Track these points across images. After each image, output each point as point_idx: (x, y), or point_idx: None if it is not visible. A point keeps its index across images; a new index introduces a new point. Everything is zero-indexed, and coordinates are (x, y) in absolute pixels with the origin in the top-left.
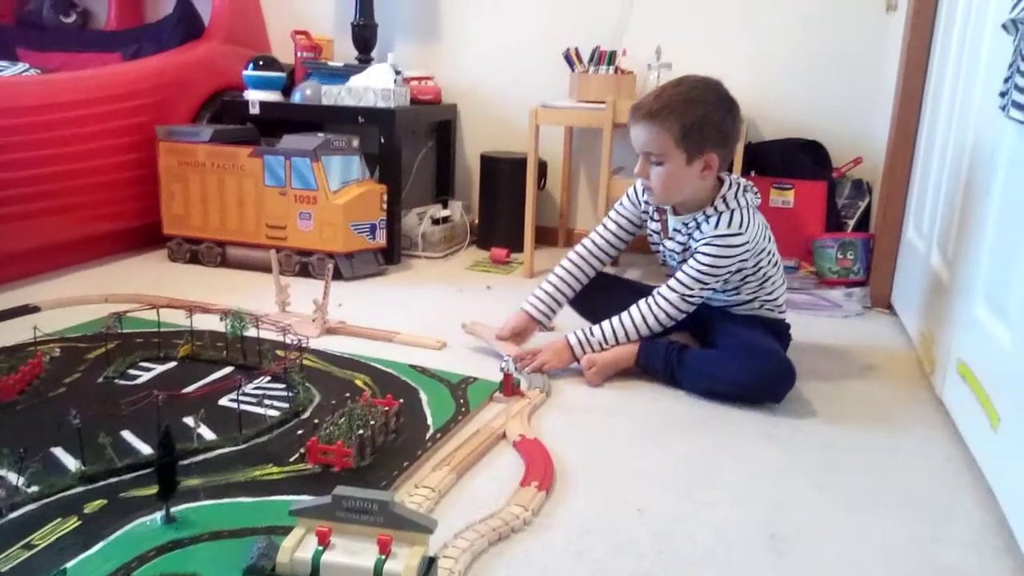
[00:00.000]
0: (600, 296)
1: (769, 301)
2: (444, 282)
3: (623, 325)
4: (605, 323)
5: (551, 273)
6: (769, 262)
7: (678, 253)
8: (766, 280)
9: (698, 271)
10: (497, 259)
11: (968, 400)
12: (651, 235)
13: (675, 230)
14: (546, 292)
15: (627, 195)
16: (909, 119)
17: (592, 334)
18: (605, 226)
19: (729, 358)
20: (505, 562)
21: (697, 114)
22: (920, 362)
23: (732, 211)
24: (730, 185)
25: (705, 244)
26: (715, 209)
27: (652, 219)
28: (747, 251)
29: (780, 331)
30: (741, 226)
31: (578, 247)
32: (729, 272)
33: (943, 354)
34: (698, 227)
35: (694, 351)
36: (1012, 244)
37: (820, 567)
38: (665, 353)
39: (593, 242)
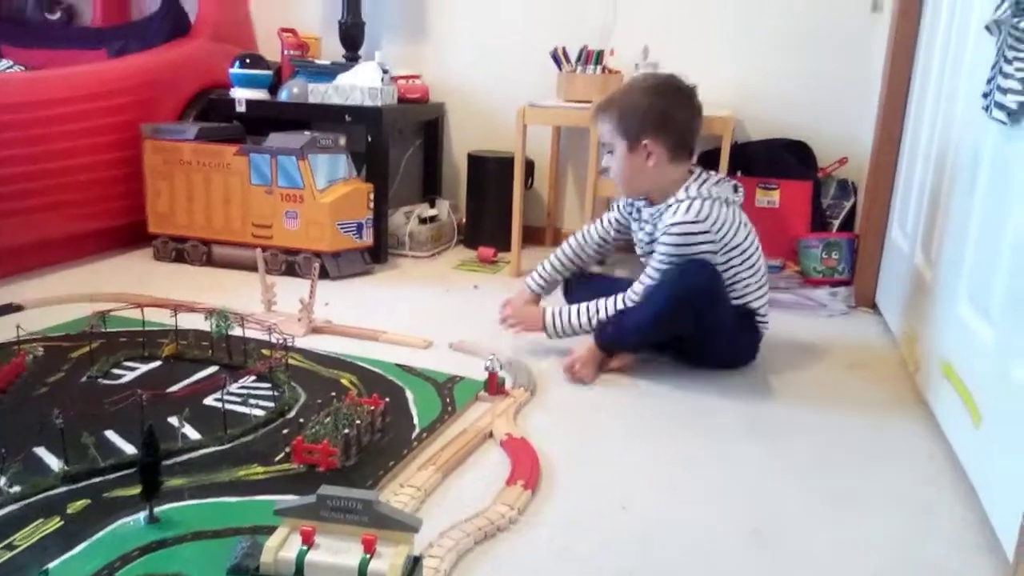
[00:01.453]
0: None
1: (742, 303)
2: (431, 281)
3: (596, 309)
4: (579, 305)
5: (551, 255)
6: (743, 263)
7: (646, 243)
8: (736, 281)
9: (659, 261)
10: (484, 258)
11: (951, 398)
12: (635, 232)
13: (645, 220)
14: (546, 270)
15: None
16: (894, 120)
17: (565, 314)
18: (601, 219)
19: (656, 285)
20: (491, 561)
21: (632, 101)
22: (904, 361)
23: (693, 200)
24: (696, 177)
25: (664, 234)
26: (676, 199)
27: (629, 215)
28: (707, 241)
29: (744, 316)
30: (699, 215)
31: (575, 234)
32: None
33: (926, 353)
34: (661, 216)
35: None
36: (994, 244)
37: (803, 563)
38: (613, 321)
39: (588, 229)
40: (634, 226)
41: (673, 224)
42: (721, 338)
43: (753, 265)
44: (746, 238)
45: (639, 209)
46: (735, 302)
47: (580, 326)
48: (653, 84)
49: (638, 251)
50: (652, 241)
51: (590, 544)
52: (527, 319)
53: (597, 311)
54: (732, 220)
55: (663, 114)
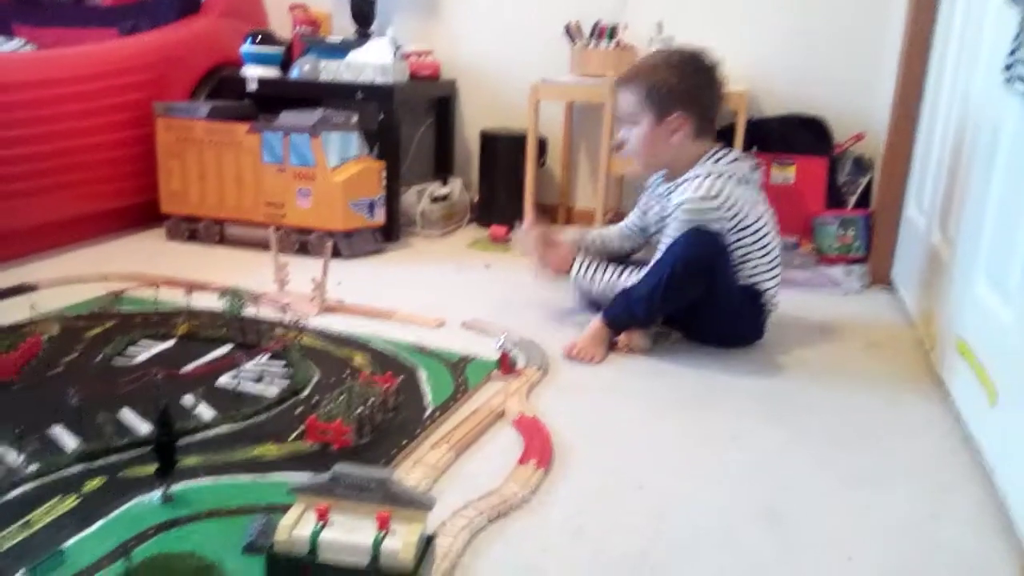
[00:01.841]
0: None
1: (751, 283)
2: (443, 260)
3: (617, 278)
4: (608, 270)
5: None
6: (754, 243)
7: (660, 219)
8: (745, 262)
9: (671, 239)
10: (497, 237)
11: (967, 377)
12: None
13: (659, 195)
14: (601, 235)
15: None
16: (911, 95)
17: (592, 269)
18: (632, 213)
19: (661, 258)
20: (504, 540)
21: (662, 75)
22: (920, 339)
23: (705, 177)
24: (714, 153)
25: (674, 211)
26: (690, 176)
27: (650, 194)
28: (717, 219)
29: (751, 296)
30: (709, 191)
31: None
32: None
33: (943, 331)
34: (674, 192)
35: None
36: (1013, 221)
37: (819, 544)
38: (620, 296)
39: (624, 222)
40: (651, 202)
41: (684, 201)
42: (725, 310)
43: (766, 247)
44: (759, 218)
45: (656, 186)
46: (743, 282)
47: (597, 285)
48: (685, 59)
49: (652, 230)
50: (665, 218)
51: (603, 524)
52: (558, 256)
53: (616, 279)
54: (746, 199)
55: (694, 89)
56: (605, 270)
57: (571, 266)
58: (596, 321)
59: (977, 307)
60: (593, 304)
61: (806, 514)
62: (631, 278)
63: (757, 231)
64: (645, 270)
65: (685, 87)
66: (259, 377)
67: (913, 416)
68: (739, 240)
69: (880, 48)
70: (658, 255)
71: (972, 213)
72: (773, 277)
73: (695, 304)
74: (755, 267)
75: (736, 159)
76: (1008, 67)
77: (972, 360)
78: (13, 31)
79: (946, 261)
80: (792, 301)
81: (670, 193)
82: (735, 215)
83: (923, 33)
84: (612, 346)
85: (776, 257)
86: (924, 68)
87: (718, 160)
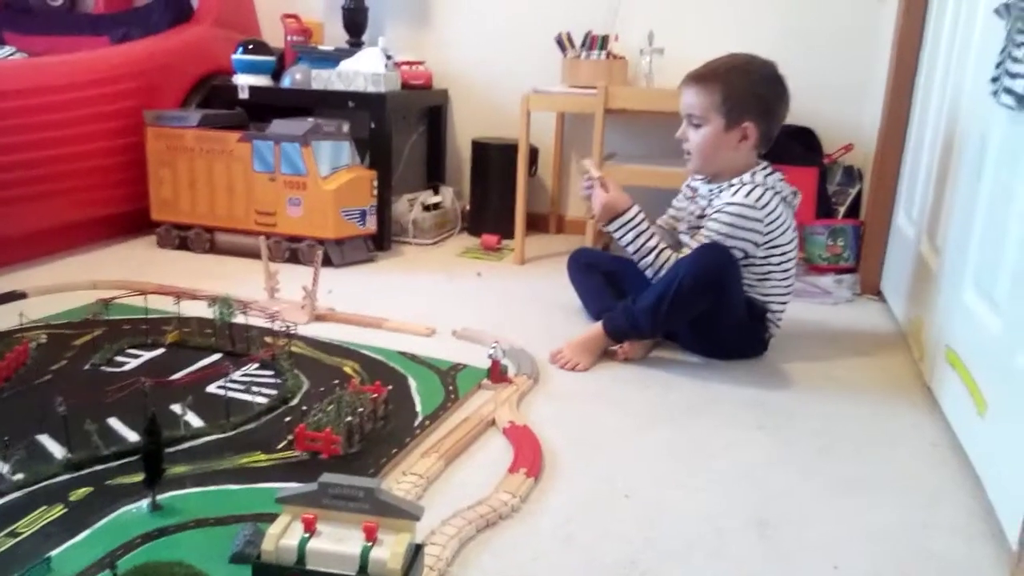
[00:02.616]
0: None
1: (762, 301)
2: (434, 269)
3: (651, 252)
4: (652, 238)
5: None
6: (779, 264)
7: (696, 217)
8: (766, 279)
9: (707, 237)
10: (488, 246)
11: (956, 387)
12: (683, 211)
13: (701, 196)
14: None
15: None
16: (901, 105)
17: (636, 231)
18: (661, 219)
19: (672, 269)
20: (493, 549)
21: (742, 82)
22: (909, 348)
23: (756, 186)
24: (765, 167)
25: (717, 211)
26: (740, 181)
27: (686, 197)
28: (756, 230)
29: (757, 313)
30: (758, 201)
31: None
32: (736, 247)
33: (932, 341)
34: (720, 194)
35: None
36: (1001, 231)
37: (808, 552)
38: (622, 307)
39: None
40: (685, 204)
41: (731, 203)
42: (729, 327)
43: (787, 270)
44: (790, 242)
45: (694, 190)
46: (756, 299)
47: (631, 248)
48: (767, 71)
49: (682, 228)
50: (702, 216)
51: (593, 532)
52: (612, 198)
53: (649, 255)
54: (784, 218)
55: (773, 102)
56: (652, 236)
57: (626, 209)
58: (595, 328)
59: (966, 316)
60: (590, 303)
61: (795, 523)
62: (667, 263)
63: (785, 253)
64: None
65: (764, 99)
66: (248, 386)
67: (902, 425)
68: (767, 257)
69: (870, 58)
70: (684, 251)
71: (960, 223)
72: (784, 301)
73: (698, 318)
74: (773, 287)
75: (783, 178)
76: (994, 79)
77: (961, 369)
78: (4, 39)
79: (935, 270)
80: (782, 313)
81: (717, 194)
82: (771, 231)
83: (912, 44)
84: (611, 355)
85: (792, 282)
86: (913, 79)
87: (770, 174)
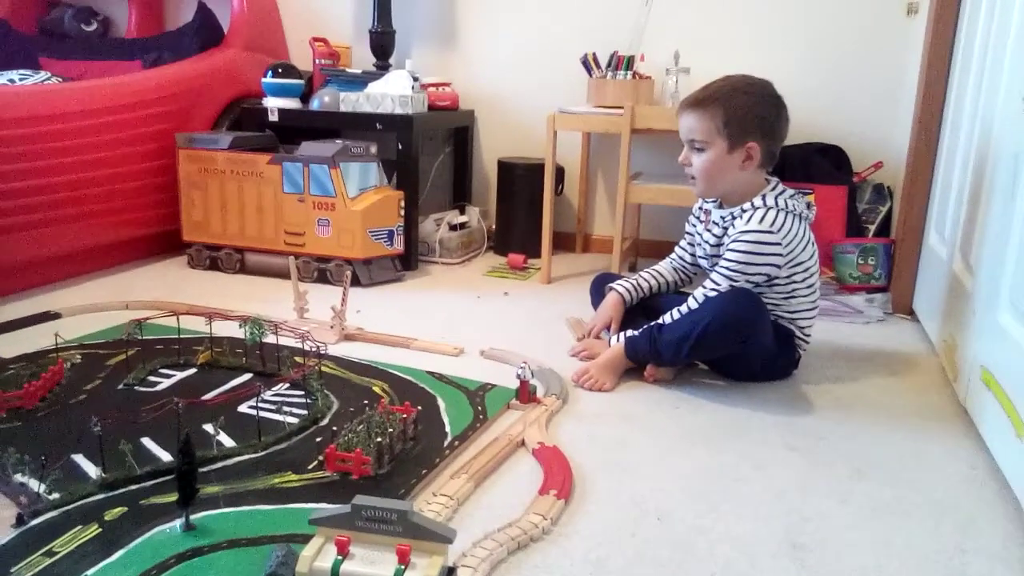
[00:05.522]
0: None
1: (789, 319)
2: (461, 288)
3: (658, 326)
4: (645, 331)
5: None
6: (803, 280)
7: (711, 246)
8: (792, 297)
9: (728, 268)
10: (515, 265)
11: (992, 408)
12: (695, 236)
13: (714, 223)
14: (634, 282)
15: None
16: (931, 123)
17: (634, 342)
18: (680, 244)
19: (698, 307)
20: (524, 571)
21: (741, 103)
22: (943, 369)
23: (768, 209)
24: (775, 186)
25: (734, 241)
26: (752, 205)
27: (699, 220)
28: (776, 254)
29: (783, 337)
30: (773, 225)
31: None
32: (759, 273)
33: (966, 361)
34: (734, 221)
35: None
36: None
37: None
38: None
39: (673, 255)
40: (699, 228)
41: (745, 232)
42: (757, 360)
43: (812, 285)
44: (811, 256)
45: (707, 212)
46: (782, 320)
47: (649, 350)
48: (765, 91)
49: (700, 255)
50: (719, 245)
51: (625, 556)
52: (605, 359)
53: (671, 322)
54: (802, 236)
55: (774, 121)
56: (657, 319)
57: (623, 349)
58: (617, 347)
59: (1001, 337)
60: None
61: (830, 547)
62: (668, 317)
63: (807, 269)
64: (683, 306)
65: (765, 119)
66: (279, 406)
67: (937, 447)
68: (790, 276)
69: (899, 76)
70: (709, 284)
71: (994, 241)
72: (811, 317)
73: (726, 355)
74: (799, 303)
75: (794, 195)
76: None
77: (998, 391)
78: (40, 64)
79: (969, 290)
80: (813, 330)
81: (731, 221)
82: (791, 251)
83: (942, 60)
84: (639, 374)
85: (818, 296)
86: (943, 95)
87: (780, 193)
